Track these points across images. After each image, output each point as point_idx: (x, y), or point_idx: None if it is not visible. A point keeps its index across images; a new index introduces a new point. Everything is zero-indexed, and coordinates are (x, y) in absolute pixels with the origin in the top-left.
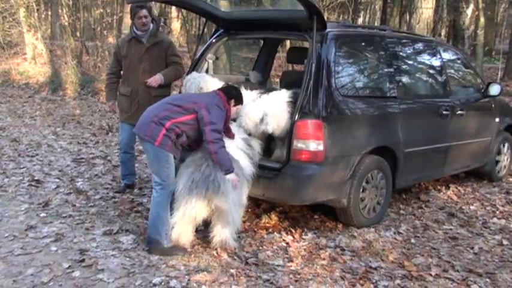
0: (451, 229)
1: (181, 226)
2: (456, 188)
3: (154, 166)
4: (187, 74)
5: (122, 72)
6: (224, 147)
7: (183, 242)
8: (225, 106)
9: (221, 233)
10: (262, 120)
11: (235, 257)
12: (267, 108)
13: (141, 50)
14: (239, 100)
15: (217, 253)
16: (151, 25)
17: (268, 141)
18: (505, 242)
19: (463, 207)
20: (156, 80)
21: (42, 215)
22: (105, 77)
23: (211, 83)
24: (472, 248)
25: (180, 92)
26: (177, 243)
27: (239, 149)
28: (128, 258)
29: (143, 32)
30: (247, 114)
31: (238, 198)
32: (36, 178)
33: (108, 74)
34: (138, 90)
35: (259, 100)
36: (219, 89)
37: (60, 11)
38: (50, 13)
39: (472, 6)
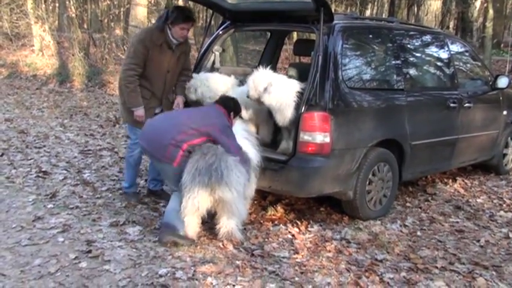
0: (457, 222)
1: (188, 216)
2: (463, 181)
3: (171, 179)
4: (193, 70)
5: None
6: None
7: (190, 234)
8: (230, 121)
9: (227, 225)
10: (266, 88)
11: (241, 249)
12: (273, 79)
13: (170, 58)
14: (238, 111)
15: (223, 245)
16: None
17: (275, 133)
18: (511, 235)
19: (470, 200)
20: (181, 104)
21: (50, 206)
22: (130, 79)
23: (219, 82)
24: (479, 241)
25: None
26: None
27: (244, 139)
28: (134, 250)
29: (177, 42)
30: (252, 80)
31: (244, 189)
32: (43, 169)
33: (134, 76)
34: (162, 100)
35: (267, 70)
36: (219, 104)
37: (67, 2)
38: (57, 5)
39: None
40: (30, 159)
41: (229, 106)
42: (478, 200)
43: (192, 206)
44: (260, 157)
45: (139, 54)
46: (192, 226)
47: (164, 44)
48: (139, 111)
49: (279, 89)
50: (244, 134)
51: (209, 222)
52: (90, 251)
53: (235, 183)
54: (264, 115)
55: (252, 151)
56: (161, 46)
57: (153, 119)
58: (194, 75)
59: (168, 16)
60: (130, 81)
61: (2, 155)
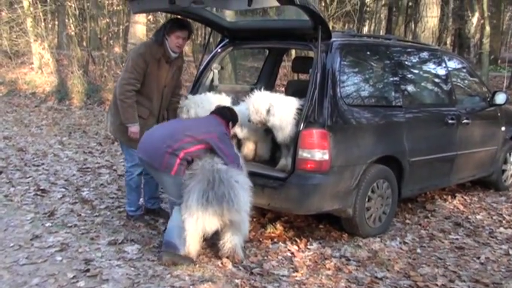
0: (457, 239)
1: (191, 238)
2: (462, 197)
3: (173, 191)
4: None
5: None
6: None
7: (191, 254)
8: (228, 131)
9: (232, 240)
10: (268, 111)
11: (240, 267)
12: (273, 100)
13: (168, 73)
14: (235, 121)
15: (222, 263)
16: None
17: (273, 151)
18: (511, 252)
19: (470, 216)
20: None
21: (48, 224)
22: (127, 94)
23: (213, 102)
24: (479, 258)
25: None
26: (186, 254)
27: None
28: (132, 268)
29: (175, 54)
30: (252, 104)
31: (249, 206)
32: (42, 187)
33: (132, 91)
34: (158, 118)
35: (265, 92)
36: (216, 114)
37: (67, 21)
38: (56, 23)
39: (477, 14)
40: (29, 177)
41: (227, 116)
42: (478, 217)
43: (201, 230)
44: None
45: (139, 69)
46: (194, 245)
47: (162, 58)
48: (135, 128)
49: (280, 109)
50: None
51: (207, 240)
52: (88, 270)
53: (244, 205)
54: (262, 132)
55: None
56: (159, 60)
57: (150, 129)
58: (189, 96)
59: (165, 28)
60: (128, 96)
61: (1, 173)
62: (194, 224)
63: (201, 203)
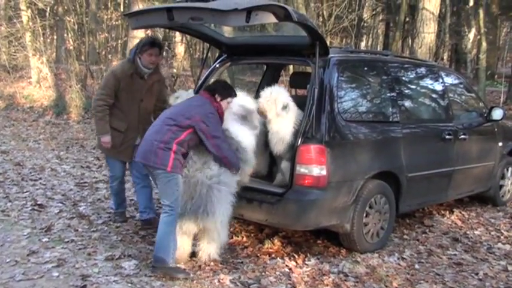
0: (455, 254)
1: (179, 238)
2: (460, 212)
3: (165, 191)
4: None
5: (112, 104)
6: (230, 149)
7: (182, 256)
8: (215, 107)
9: (206, 249)
10: (285, 107)
11: (238, 283)
12: (290, 101)
13: (143, 87)
14: (226, 93)
15: (219, 280)
16: None
17: (271, 166)
18: (510, 268)
19: (468, 232)
20: None
21: (45, 239)
22: (98, 108)
23: None
24: (477, 274)
25: None
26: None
27: (240, 125)
28: (130, 284)
29: (148, 70)
30: (271, 92)
31: (227, 216)
32: (39, 202)
33: (103, 106)
34: (138, 128)
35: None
36: (204, 91)
37: (65, 35)
38: (55, 37)
39: (474, 30)
40: (26, 192)
41: (211, 89)
42: (476, 232)
43: (179, 229)
44: (259, 141)
45: (110, 85)
46: (182, 247)
47: (135, 74)
48: (106, 138)
49: (293, 112)
50: (238, 120)
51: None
52: (85, 286)
53: (220, 215)
54: (260, 147)
55: (249, 139)
56: (132, 76)
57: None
58: (180, 91)
59: (137, 47)
60: (99, 110)
61: None
62: (178, 226)
63: (183, 209)
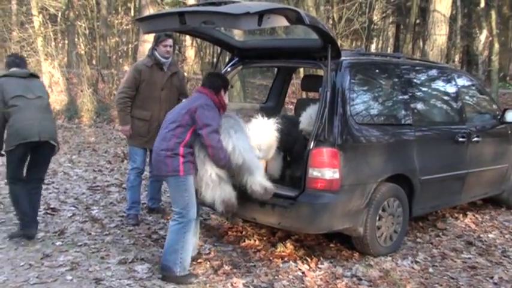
0: (469, 258)
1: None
2: (474, 215)
3: (175, 196)
4: None
5: (136, 97)
6: (219, 141)
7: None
8: (215, 101)
9: (251, 181)
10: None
11: (251, 287)
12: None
13: (163, 77)
14: (218, 84)
15: (232, 284)
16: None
17: (283, 169)
18: None
19: (481, 235)
20: None
21: (58, 243)
22: (120, 100)
23: None
24: (492, 278)
25: None
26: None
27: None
28: None
29: (166, 59)
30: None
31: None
32: (52, 206)
33: (124, 98)
34: (159, 116)
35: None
36: (202, 86)
37: (76, 40)
38: (66, 42)
39: (485, 32)
40: None
41: (215, 85)
42: (490, 235)
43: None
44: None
45: (131, 78)
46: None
47: (155, 65)
48: (126, 127)
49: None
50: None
51: (217, 259)
52: None
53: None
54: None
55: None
56: (152, 67)
57: None
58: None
59: (154, 43)
60: (120, 102)
61: None
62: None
63: None
